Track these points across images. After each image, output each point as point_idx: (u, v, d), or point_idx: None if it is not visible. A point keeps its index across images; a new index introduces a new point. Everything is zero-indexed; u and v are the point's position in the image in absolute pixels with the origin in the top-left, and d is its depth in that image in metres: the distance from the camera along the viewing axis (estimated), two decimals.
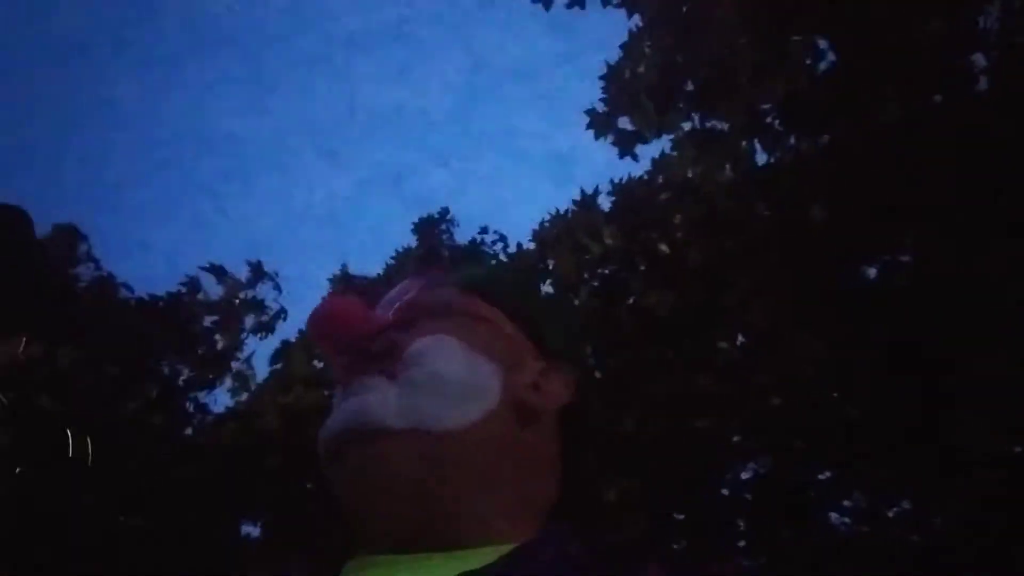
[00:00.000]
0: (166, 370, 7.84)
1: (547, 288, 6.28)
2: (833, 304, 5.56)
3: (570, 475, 0.72)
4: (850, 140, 5.44)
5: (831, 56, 5.58)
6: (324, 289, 7.09)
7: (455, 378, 0.68)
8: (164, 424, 7.63)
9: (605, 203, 6.05)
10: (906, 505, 5.96)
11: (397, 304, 0.74)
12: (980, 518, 5.19)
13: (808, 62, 5.58)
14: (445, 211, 6.51)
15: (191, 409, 7.75)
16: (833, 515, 5.90)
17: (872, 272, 5.87)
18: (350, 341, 0.70)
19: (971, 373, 5.17)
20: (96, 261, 7.42)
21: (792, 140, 5.69)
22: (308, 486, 6.86)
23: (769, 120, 5.64)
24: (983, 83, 5.59)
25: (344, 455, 0.66)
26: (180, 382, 7.83)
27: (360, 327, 0.71)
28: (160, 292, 7.35)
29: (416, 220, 6.53)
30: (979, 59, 5.66)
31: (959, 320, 5.29)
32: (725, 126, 5.43)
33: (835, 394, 5.76)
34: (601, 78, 5.75)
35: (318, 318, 0.71)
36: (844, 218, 5.47)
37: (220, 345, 7.39)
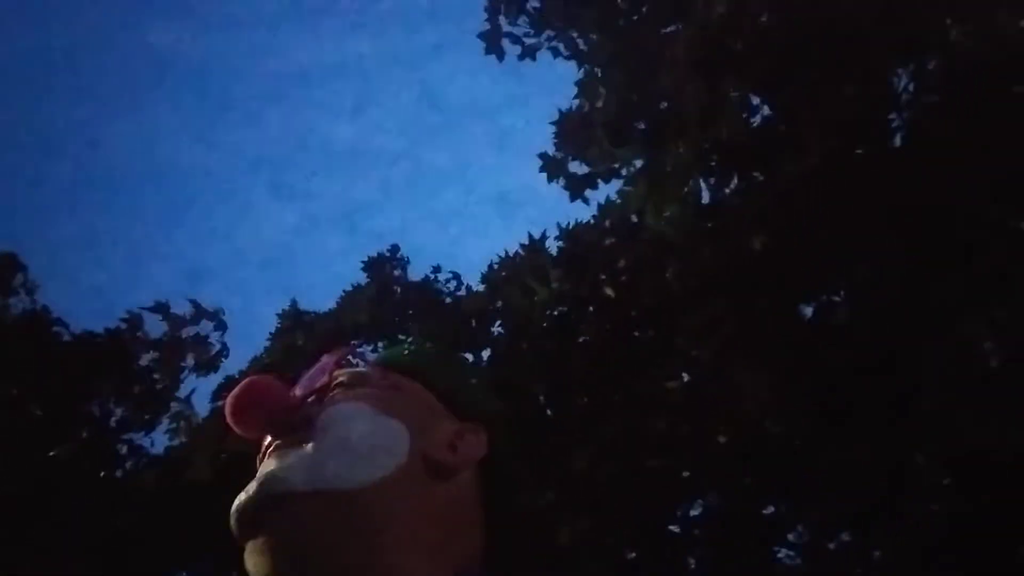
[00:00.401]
0: (97, 411, 7.56)
1: (497, 329, 6.29)
2: (777, 342, 5.71)
3: (497, 523, 0.74)
4: (786, 183, 5.63)
5: (765, 109, 5.80)
6: (271, 325, 6.96)
7: (362, 437, 0.69)
8: (94, 468, 7.34)
9: (552, 245, 6.10)
10: (846, 537, 6.13)
11: (314, 381, 0.76)
12: (922, 550, 5.37)
13: (744, 114, 5.78)
14: (395, 249, 6.46)
15: (124, 451, 7.48)
16: (779, 550, 6.02)
17: (809, 310, 6.07)
18: (269, 418, 0.71)
19: (913, 406, 5.37)
20: (31, 293, 7.14)
21: (735, 181, 5.86)
22: None
23: (713, 162, 5.80)
24: (897, 138, 5.92)
25: (256, 523, 0.66)
26: (113, 423, 7.56)
27: (277, 403, 0.71)
28: (96, 327, 7.09)
29: (367, 258, 6.47)
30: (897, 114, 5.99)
31: (897, 353, 5.51)
32: (673, 163, 5.56)
33: (779, 430, 5.90)
34: (553, 123, 5.83)
35: (236, 398, 0.71)
36: (784, 257, 5.64)
37: (159, 384, 7.17)
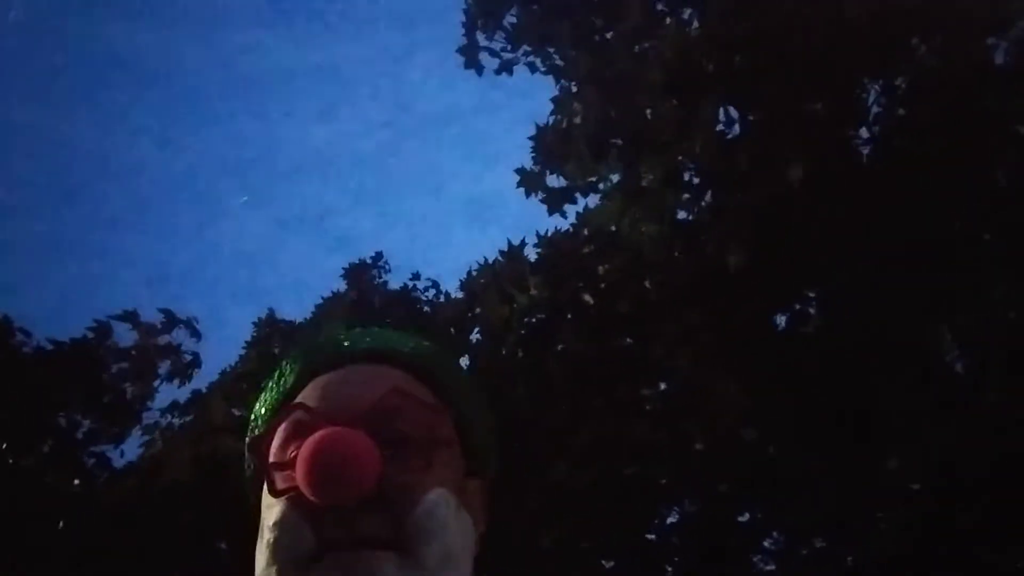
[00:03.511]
0: (64, 422, 7.40)
1: (476, 336, 6.30)
2: (751, 351, 5.81)
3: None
4: (759, 198, 5.75)
5: (738, 126, 5.93)
6: (245, 331, 6.89)
7: (461, 548, 0.65)
8: (59, 481, 7.18)
9: (531, 252, 6.15)
10: (820, 544, 6.22)
11: (377, 429, 0.64)
12: (892, 554, 5.47)
13: (719, 128, 5.90)
14: (379, 256, 6.46)
15: (90, 464, 7.33)
16: (755, 557, 6.09)
17: (783, 320, 6.18)
18: (359, 494, 0.60)
19: (883, 415, 5.48)
20: None
21: (709, 196, 5.97)
22: (222, 545, 6.58)
23: (688, 178, 5.91)
24: (866, 153, 6.10)
25: None
26: (80, 435, 7.41)
27: (371, 476, 0.60)
28: (61, 334, 6.96)
29: (347, 265, 6.46)
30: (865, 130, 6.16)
31: (866, 364, 5.63)
32: (651, 178, 5.65)
33: (754, 437, 5.99)
34: (531, 138, 5.89)
35: (332, 465, 0.59)
36: (758, 269, 5.75)
37: (129, 394, 7.05)
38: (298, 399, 0.68)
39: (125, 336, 7.22)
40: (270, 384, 0.73)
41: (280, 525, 0.62)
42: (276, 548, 0.62)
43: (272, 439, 0.67)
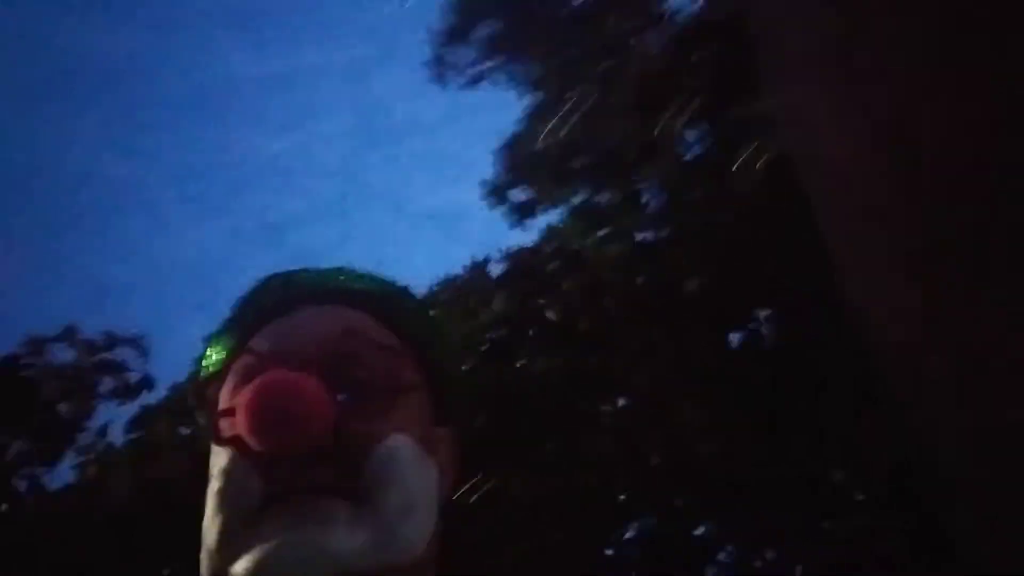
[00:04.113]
0: None
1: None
2: (709, 368, 6.00)
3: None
4: (716, 221, 6.01)
5: (696, 148, 6.20)
6: (194, 347, 6.66)
7: (422, 496, 0.61)
8: None
9: (495, 268, 6.23)
10: (770, 556, 6.41)
11: (331, 374, 0.60)
12: (844, 564, 5.70)
13: (678, 151, 6.15)
14: (339, 270, 6.36)
15: (23, 489, 6.93)
16: (709, 570, 6.23)
17: (737, 339, 6.42)
18: (307, 439, 0.55)
19: (834, 428, 5.74)
20: None
21: (668, 219, 6.19)
22: (166, 572, 6.29)
23: (646, 200, 6.12)
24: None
25: None
26: (9, 457, 7.00)
27: (322, 420, 0.56)
28: None
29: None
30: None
31: (817, 379, 5.90)
32: (612, 200, 5.82)
33: (710, 450, 6.16)
34: (494, 152, 6.00)
35: (272, 406, 0.54)
36: (713, 290, 5.98)
37: (65, 413, 6.71)
38: (249, 345, 0.64)
39: (63, 354, 6.90)
40: (222, 330, 0.69)
41: (225, 474, 0.58)
42: (221, 498, 0.58)
43: (221, 385, 0.64)
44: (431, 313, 0.75)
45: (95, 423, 6.73)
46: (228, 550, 0.56)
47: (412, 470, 0.60)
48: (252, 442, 0.55)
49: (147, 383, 6.45)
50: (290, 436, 0.54)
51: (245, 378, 0.61)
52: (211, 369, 0.67)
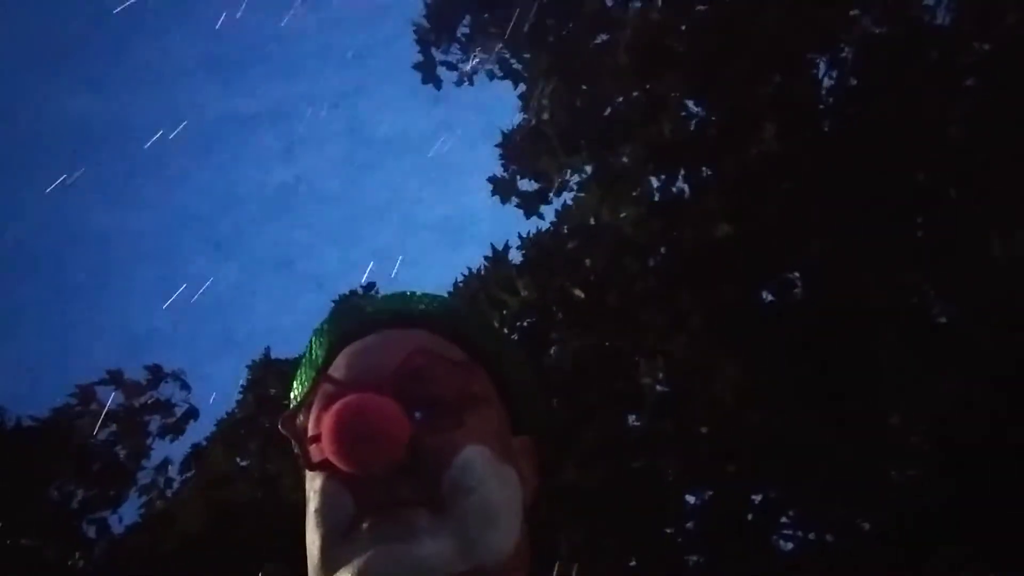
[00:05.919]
0: (55, 494, 7.21)
1: None
2: (743, 329, 5.86)
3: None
4: (730, 174, 5.89)
5: (700, 108, 6.10)
6: (227, 382, 6.79)
7: (502, 503, 0.63)
8: (60, 555, 6.95)
9: (515, 256, 6.20)
10: (833, 516, 6.20)
11: (405, 393, 0.64)
12: (906, 516, 5.46)
13: (683, 113, 6.07)
14: (370, 286, 6.45)
15: (92, 534, 7.11)
16: (774, 536, 6.04)
17: (768, 295, 6.27)
18: (387, 458, 0.60)
19: (877, 374, 5.54)
20: None
21: (681, 178, 6.10)
22: None
23: (659, 161, 6.04)
24: (827, 123, 6.31)
25: None
26: (75, 504, 7.20)
27: (399, 438, 0.60)
28: (38, 409, 6.80)
29: (336, 298, 6.43)
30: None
31: (855, 326, 5.71)
32: (626, 161, 5.75)
33: (757, 416, 6.00)
34: (498, 145, 5.98)
35: (355, 428, 0.59)
36: (738, 245, 5.86)
37: (121, 456, 6.89)
38: (327, 373, 0.69)
39: (111, 397, 7.09)
40: (303, 362, 0.74)
41: (320, 495, 0.63)
42: (318, 517, 0.63)
43: (306, 414, 0.68)
44: (498, 329, 0.77)
45: (151, 461, 6.88)
46: (329, 563, 0.61)
47: (489, 478, 0.62)
48: (338, 463, 0.60)
49: (193, 414, 6.58)
50: (370, 455, 0.59)
51: (327, 405, 0.65)
52: (296, 401, 0.72)
